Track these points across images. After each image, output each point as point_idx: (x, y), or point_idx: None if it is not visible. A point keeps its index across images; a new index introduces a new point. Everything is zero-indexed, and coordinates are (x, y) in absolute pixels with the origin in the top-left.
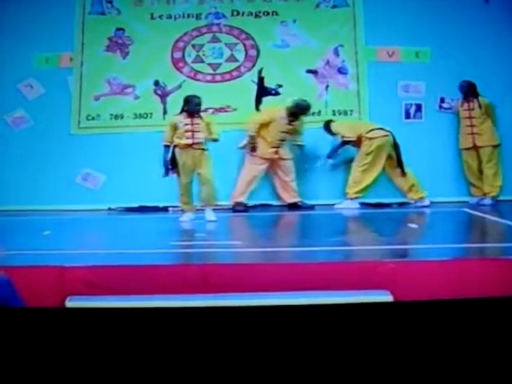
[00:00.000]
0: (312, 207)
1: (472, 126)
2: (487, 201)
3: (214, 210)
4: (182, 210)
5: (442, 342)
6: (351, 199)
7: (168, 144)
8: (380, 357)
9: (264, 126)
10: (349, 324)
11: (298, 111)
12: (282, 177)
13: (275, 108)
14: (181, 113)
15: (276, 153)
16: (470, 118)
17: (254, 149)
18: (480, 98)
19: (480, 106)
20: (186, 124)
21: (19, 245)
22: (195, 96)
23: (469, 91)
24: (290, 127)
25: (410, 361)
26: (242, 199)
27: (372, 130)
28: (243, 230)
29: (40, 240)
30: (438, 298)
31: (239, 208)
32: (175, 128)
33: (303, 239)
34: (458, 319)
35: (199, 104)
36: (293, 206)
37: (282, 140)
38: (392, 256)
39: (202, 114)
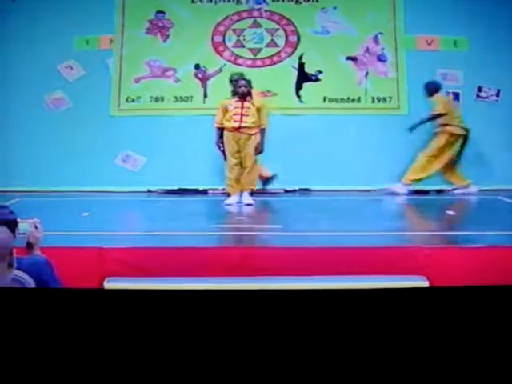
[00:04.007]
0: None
1: None
2: None
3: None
4: (227, 193)
5: (479, 330)
6: (404, 184)
7: (219, 126)
8: (415, 343)
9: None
10: (384, 309)
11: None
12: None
13: None
14: (234, 96)
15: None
16: None
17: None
18: None
19: None
20: (236, 107)
21: (58, 226)
22: (241, 78)
23: None
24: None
25: (445, 348)
26: None
27: (453, 126)
28: (282, 214)
29: (79, 221)
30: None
31: None
32: (226, 110)
33: (339, 224)
34: (495, 306)
35: (244, 86)
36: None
37: None
38: (429, 242)
39: (254, 97)
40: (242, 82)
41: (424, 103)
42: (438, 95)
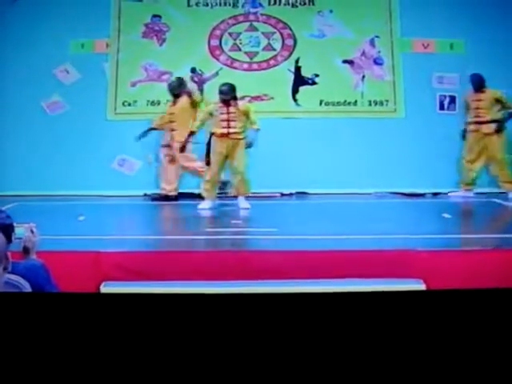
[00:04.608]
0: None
1: None
2: None
3: (246, 198)
4: (201, 197)
5: (476, 333)
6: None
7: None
8: (412, 346)
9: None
10: (380, 312)
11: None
12: None
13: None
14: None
15: None
16: None
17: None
18: None
19: None
20: (222, 113)
21: (54, 230)
22: (224, 84)
23: None
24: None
25: (442, 351)
26: None
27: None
28: (279, 217)
29: (75, 225)
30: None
31: None
32: (210, 115)
33: (336, 227)
34: (492, 309)
35: (225, 93)
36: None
37: None
38: (425, 245)
39: (239, 102)
40: (222, 89)
41: (420, 106)
42: (488, 89)
